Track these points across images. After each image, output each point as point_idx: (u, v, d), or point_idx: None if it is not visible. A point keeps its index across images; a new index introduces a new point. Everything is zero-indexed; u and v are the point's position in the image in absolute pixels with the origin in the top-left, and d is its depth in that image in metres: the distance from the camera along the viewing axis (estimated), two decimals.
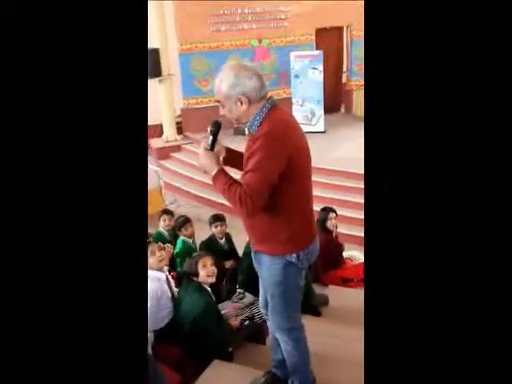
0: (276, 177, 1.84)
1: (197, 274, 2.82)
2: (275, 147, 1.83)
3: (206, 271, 2.82)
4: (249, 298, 3.27)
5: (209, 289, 2.87)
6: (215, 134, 2.01)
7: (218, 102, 1.96)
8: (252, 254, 2.22)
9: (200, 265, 2.82)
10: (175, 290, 3.06)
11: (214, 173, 1.95)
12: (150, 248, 2.93)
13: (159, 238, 4.09)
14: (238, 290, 3.36)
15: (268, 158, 1.81)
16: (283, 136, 1.86)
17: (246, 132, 2.15)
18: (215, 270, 2.87)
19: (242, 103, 1.90)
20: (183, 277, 2.92)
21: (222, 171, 1.95)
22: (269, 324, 2.28)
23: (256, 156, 1.83)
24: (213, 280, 2.86)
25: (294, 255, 2.01)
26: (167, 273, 3.08)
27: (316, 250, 2.14)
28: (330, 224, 4.11)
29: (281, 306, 2.13)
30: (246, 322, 3.01)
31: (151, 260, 2.91)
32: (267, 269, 2.09)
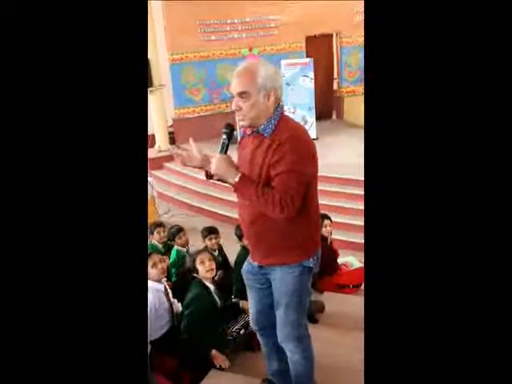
0: (309, 179, 1.87)
1: (196, 271, 2.87)
2: (306, 151, 1.86)
3: (204, 267, 2.87)
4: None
5: (211, 286, 2.92)
6: (230, 138, 1.93)
7: (241, 94, 1.85)
8: (251, 270, 2.15)
9: (198, 261, 2.88)
10: (173, 300, 3.06)
11: (237, 179, 1.84)
12: (153, 259, 2.93)
13: (154, 250, 4.05)
14: (234, 300, 3.35)
15: (301, 161, 1.82)
16: (309, 141, 1.90)
17: (238, 139, 2.13)
18: (213, 266, 2.92)
19: (269, 98, 1.86)
20: (187, 274, 2.98)
21: (245, 176, 1.86)
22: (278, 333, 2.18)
23: (287, 159, 1.79)
24: (212, 274, 2.90)
25: (311, 259, 2.00)
26: (165, 284, 3.08)
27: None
28: (324, 231, 4.11)
29: (294, 316, 2.07)
30: (242, 331, 3.00)
31: (153, 271, 2.91)
32: (280, 280, 2.02)
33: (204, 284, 2.88)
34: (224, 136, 1.92)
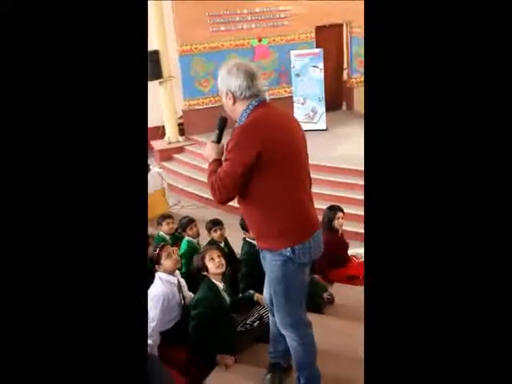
0: (241, 169, 1.90)
1: (206, 268, 2.82)
2: (242, 141, 1.92)
3: (214, 263, 2.81)
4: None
5: (220, 285, 2.86)
6: (221, 129, 2.14)
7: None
8: (259, 252, 2.25)
9: (207, 258, 2.82)
10: (188, 294, 3.07)
11: (209, 162, 2.07)
12: (167, 251, 2.93)
13: (162, 241, 4.06)
14: (249, 292, 3.31)
15: (235, 151, 1.91)
16: (253, 130, 1.94)
17: None
18: (223, 262, 2.86)
19: (226, 96, 2.03)
20: (196, 275, 2.93)
21: (215, 160, 2.06)
22: (275, 319, 2.28)
23: (227, 148, 1.95)
24: (222, 270, 2.85)
25: (289, 249, 2.02)
26: (179, 277, 3.08)
27: (318, 246, 2.13)
28: (336, 223, 4.06)
29: (283, 303, 2.14)
30: (256, 323, 3.00)
31: (167, 263, 2.92)
32: (269, 265, 2.13)
33: (213, 284, 2.82)
34: (216, 127, 2.15)
